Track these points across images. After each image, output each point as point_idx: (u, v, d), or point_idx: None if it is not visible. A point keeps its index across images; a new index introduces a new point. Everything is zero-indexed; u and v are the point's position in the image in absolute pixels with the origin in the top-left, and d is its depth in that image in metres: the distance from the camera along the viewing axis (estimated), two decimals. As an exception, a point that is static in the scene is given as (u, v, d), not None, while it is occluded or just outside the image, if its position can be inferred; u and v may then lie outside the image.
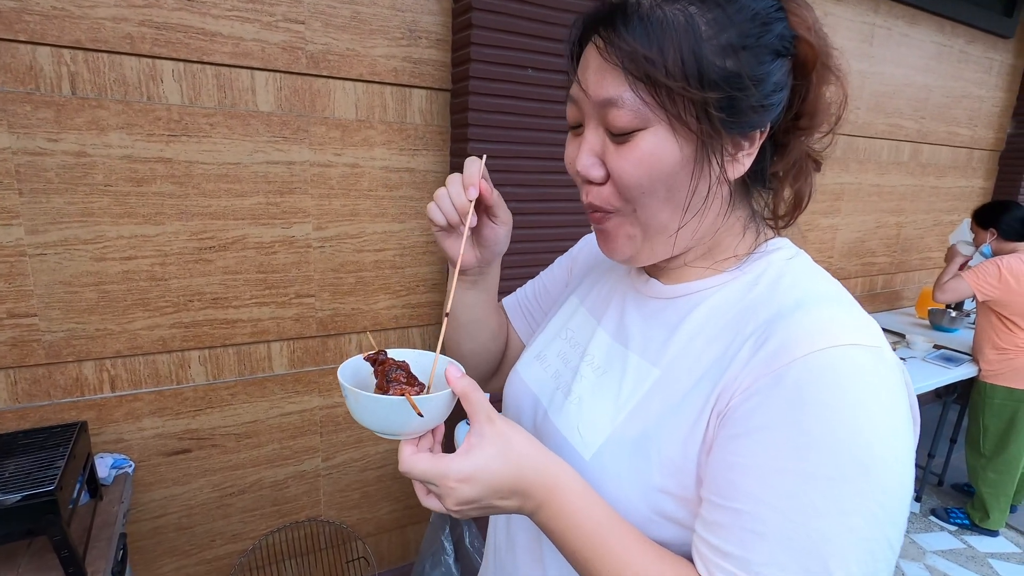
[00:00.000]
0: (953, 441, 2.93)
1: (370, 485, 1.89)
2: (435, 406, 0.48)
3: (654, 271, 0.58)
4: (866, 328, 0.43)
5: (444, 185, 0.59)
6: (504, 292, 0.83)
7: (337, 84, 1.55)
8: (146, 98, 1.33)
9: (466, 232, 0.57)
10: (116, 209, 1.35)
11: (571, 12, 1.65)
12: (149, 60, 1.32)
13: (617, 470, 0.50)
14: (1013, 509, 2.67)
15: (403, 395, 0.47)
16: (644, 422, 0.50)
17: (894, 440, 0.40)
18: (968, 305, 3.12)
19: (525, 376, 0.67)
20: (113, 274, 1.38)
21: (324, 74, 1.52)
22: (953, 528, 2.61)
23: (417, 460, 0.46)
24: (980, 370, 2.49)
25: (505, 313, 0.81)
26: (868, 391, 0.40)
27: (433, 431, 0.52)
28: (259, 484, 1.70)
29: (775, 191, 0.54)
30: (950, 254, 2.62)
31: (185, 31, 1.34)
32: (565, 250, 0.81)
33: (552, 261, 0.82)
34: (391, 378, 0.49)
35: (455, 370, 0.49)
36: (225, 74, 1.41)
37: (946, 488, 2.94)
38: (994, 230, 2.45)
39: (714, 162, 0.47)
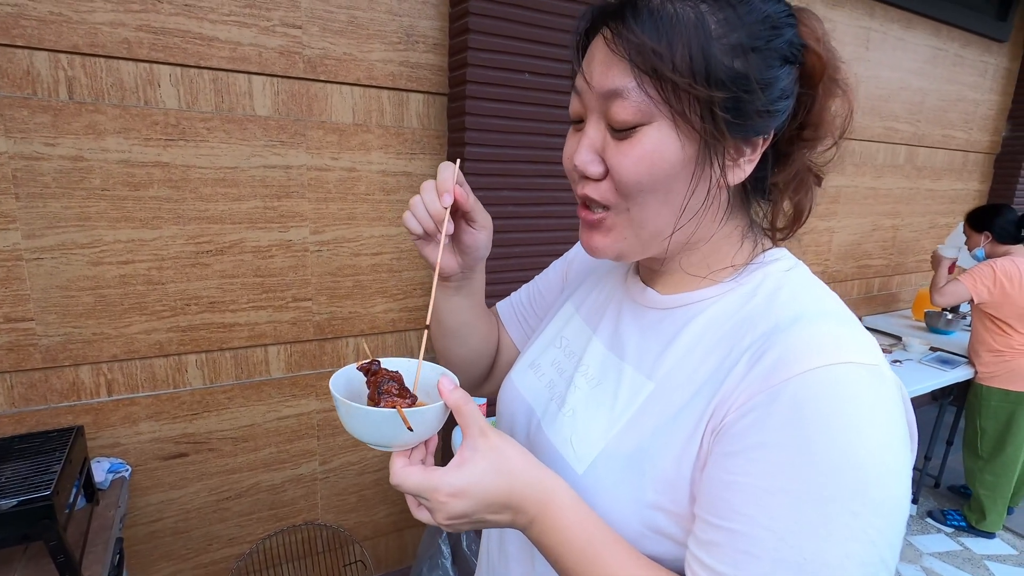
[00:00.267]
0: (950, 443, 2.94)
1: (367, 489, 1.89)
2: (426, 419, 0.47)
3: (650, 279, 0.58)
4: (864, 345, 0.42)
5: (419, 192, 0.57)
6: (501, 296, 0.84)
7: (334, 88, 1.55)
8: (143, 103, 1.34)
9: (443, 239, 0.56)
10: (113, 213, 1.35)
11: (568, 17, 1.66)
12: (146, 65, 1.32)
13: (610, 485, 0.49)
14: (1010, 511, 2.67)
15: (394, 407, 0.46)
16: (638, 437, 0.49)
17: (891, 460, 0.39)
18: (964, 307, 3.14)
19: (519, 385, 0.66)
20: (110, 278, 1.38)
21: (321, 78, 1.53)
22: (950, 530, 2.61)
23: (408, 473, 0.46)
24: (976, 372, 2.50)
25: (498, 316, 0.80)
26: (866, 410, 0.39)
27: (426, 442, 0.51)
28: (256, 488, 1.69)
29: (774, 202, 0.54)
30: (935, 259, 2.64)
31: (182, 36, 1.34)
32: (561, 254, 0.80)
33: (548, 265, 0.81)
34: (383, 390, 0.49)
35: (448, 382, 0.48)
36: (222, 78, 1.41)
37: (943, 490, 2.95)
38: (988, 233, 2.46)
39: (715, 164, 0.46)
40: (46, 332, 1.33)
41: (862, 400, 0.40)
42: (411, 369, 0.54)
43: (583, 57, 0.49)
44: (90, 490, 1.28)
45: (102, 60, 1.28)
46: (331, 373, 0.52)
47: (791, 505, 0.39)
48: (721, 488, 0.42)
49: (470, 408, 0.47)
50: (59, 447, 1.18)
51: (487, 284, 0.71)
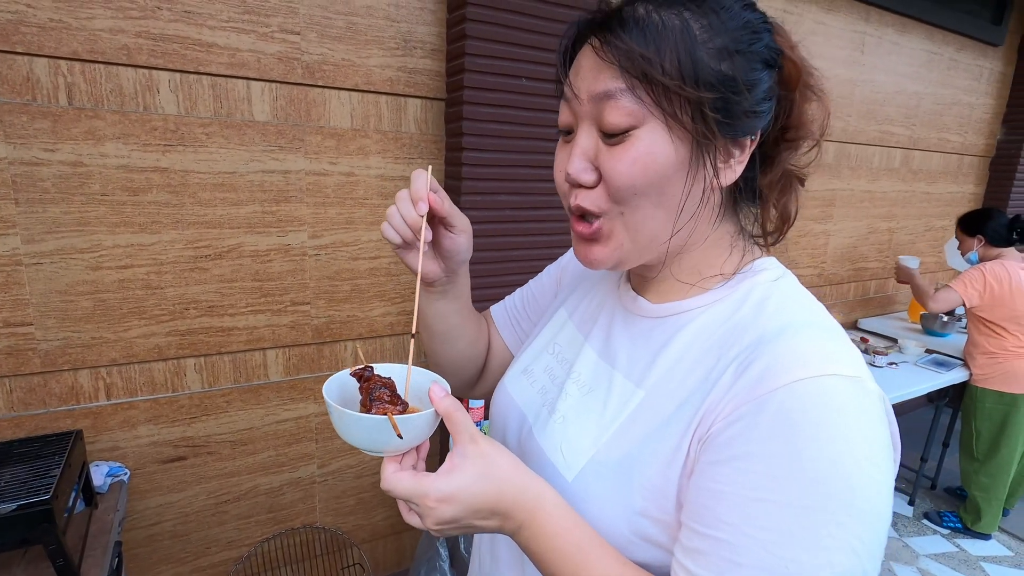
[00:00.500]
0: (945, 445, 2.95)
1: (365, 492, 1.89)
2: (416, 427, 0.47)
3: (641, 287, 0.59)
4: (849, 357, 0.43)
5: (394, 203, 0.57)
6: (497, 300, 0.84)
7: (332, 94, 1.56)
8: (142, 108, 1.34)
9: (422, 247, 0.56)
10: (112, 218, 1.36)
11: (564, 23, 1.67)
12: (146, 71, 1.33)
13: (599, 492, 0.50)
14: (1005, 512, 2.69)
15: (385, 414, 0.47)
16: (627, 445, 0.50)
17: (876, 472, 0.40)
18: (959, 310, 3.15)
19: (512, 390, 0.67)
20: (109, 283, 1.39)
21: (320, 84, 1.54)
22: (946, 531, 2.62)
23: (398, 479, 0.47)
24: (971, 374, 2.52)
25: (491, 320, 0.81)
26: (852, 422, 0.40)
27: (417, 448, 0.51)
28: (254, 491, 1.70)
29: (762, 206, 0.55)
30: (902, 270, 2.73)
31: (182, 42, 1.35)
32: (557, 258, 0.81)
33: (543, 269, 0.82)
34: (375, 396, 0.49)
35: (439, 389, 0.49)
36: (221, 84, 1.42)
37: (939, 492, 2.96)
38: (981, 237, 2.48)
39: (708, 165, 0.47)
40: (45, 336, 1.34)
41: (848, 412, 0.40)
42: (404, 374, 0.54)
43: (569, 69, 0.51)
44: (89, 494, 1.29)
45: (101, 66, 1.29)
46: (329, 377, 0.53)
47: (776, 514, 0.40)
48: (707, 497, 0.43)
49: (460, 415, 0.48)
50: (58, 451, 1.18)
51: (484, 288, 0.72)
